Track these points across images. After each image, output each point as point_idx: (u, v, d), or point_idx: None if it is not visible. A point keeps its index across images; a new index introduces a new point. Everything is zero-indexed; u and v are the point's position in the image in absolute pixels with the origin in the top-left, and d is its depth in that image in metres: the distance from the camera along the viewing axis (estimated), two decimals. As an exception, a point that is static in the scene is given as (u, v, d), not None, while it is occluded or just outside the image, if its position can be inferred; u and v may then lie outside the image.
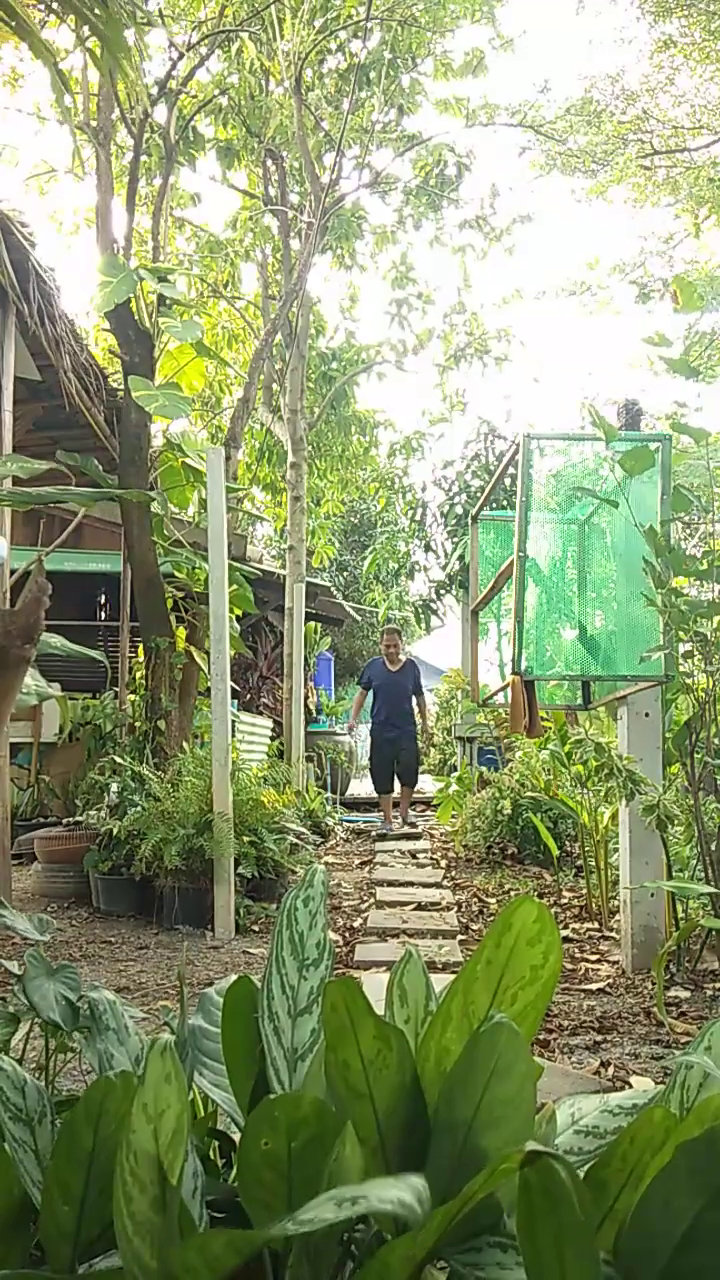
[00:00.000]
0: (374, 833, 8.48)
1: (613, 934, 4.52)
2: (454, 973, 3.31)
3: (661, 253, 15.67)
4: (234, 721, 6.65)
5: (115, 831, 5.00)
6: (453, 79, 11.09)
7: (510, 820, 6.55)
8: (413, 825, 8.64)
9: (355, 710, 9.18)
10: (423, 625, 12.83)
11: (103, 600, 9.79)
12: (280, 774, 7.13)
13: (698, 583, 3.81)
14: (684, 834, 4.32)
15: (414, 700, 8.56)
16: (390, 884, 5.96)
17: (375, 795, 9.26)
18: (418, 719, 8.69)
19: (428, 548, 12.65)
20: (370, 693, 8.66)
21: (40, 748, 7.72)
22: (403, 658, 8.71)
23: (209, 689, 5.00)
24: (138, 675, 6.83)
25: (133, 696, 7.08)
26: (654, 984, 3.39)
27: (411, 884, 5.93)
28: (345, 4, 9.55)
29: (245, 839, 4.98)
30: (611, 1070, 2.77)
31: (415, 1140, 1.08)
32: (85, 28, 2.70)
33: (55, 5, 2.90)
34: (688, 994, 3.50)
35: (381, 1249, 0.93)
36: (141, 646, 6.24)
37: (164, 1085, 0.94)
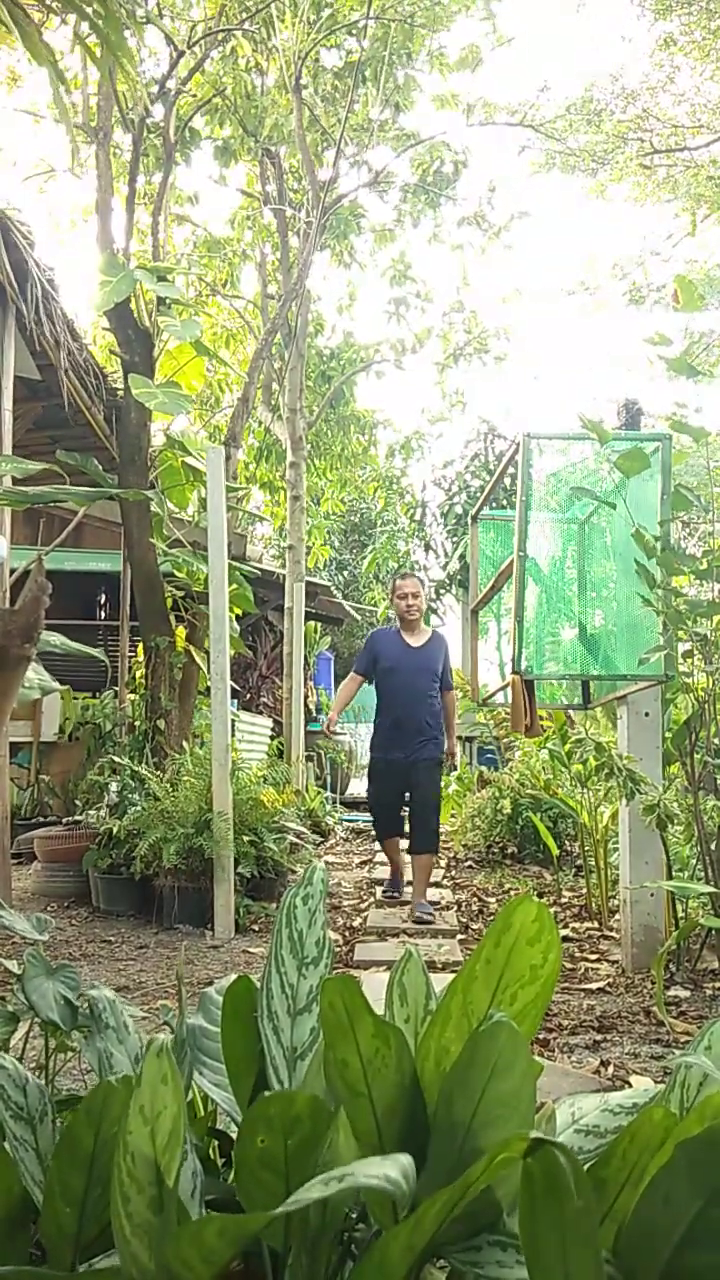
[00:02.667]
0: (380, 894, 5.59)
1: (612, 933, 4.52)
2: (454, 972, 3.30)
3: (658, 253, 15.70)
4: (234, 721, 6.64)
5: (115, 831, 4.99)
6: (449, 74, 11.08)
7: (510, 820, 6.54)
8: (428, 918, 4.82)
9: (338, 704, 5.71)
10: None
11: (103, 599, 9.79)
12: (280, 773, 7.13)
13: (697, 582, 3.81)
14: (684, 833, 4.32)
15: (441, 697, 5.36)
16: (390, 883, 5.95)
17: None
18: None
19: (427, 547, 12.65)
20: (373, 682, 5.44)
21: (40, 747, 7.72)
22: (426, 627, 5.61)
23: (209, 688, 5.00)
24: (137, 674, 6.83)
25: (132, 696, 7.08)
26: (654, 983, 3.39)
27: (412, 883, 5.92)
28: (343, 3, 9.54)
29: (245, 838, 4.98)
30: (611, 1069, 2.76)
31: (415, 1139, 1.08)
32: (84, 25, 2.70)
33: (54, 4, 2.90)
34: (687, 993, 3.50)
35: (380, 1240, 0.93)
36: (141, 646, 6.24)
37: (161, 1086, 0.94)
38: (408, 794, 5.29)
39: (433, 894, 5.52)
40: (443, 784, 5.64)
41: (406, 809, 5.37)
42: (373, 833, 6.03)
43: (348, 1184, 0.73)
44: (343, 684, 5.69)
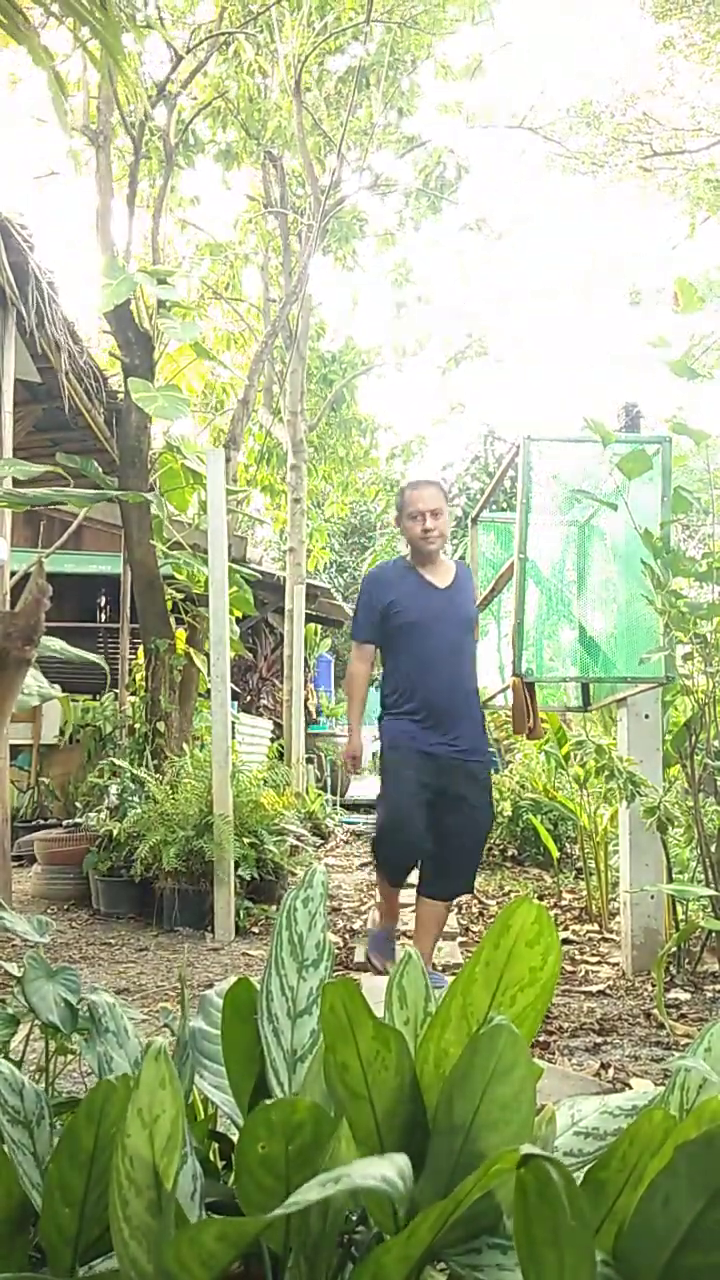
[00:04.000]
0: (368, 952, 3.91)
1: (613, 936, 4.52)
2: (453, 974, 3.30)
3: (659, 254, 15.73)
4: (234, 723, 6.64)
5: (115, 833, 5.00)
6: (452, 81, 11.12)
7: (510, 822, 6.54)
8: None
9: (356, 707, 3.84)
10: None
11: (103, 602, 9.79)
12: (280, 776, 7.13)
13: (696, 585, 3.82)
14: (684, 836, 4.32)
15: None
16: (390, 886, 5.94)
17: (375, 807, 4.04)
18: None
19: (428, 549, 12.64)
20: (384, 647, 3.70)
21: (40, 749, 7.72)
22: (448, 561, 3.81)
23: (209, 691, 5.00)
24: (138, 677, 6.83)
25: (133, 698, 7.08)
26: (654, 986, 3.38)
27: (411, 886, 5.91)
28: (345, 6, 9.56)
29: (245, 840, 4.98)
30: (611, 1072, 2.76)
31: (414, 1143, 1.08)
32: (85, 29, 2.70)
33: (55, 7, 2.91)
34: (688, 996, 3.50)
35: (376, 1248, 0.93)
36: (141, 648, 6.24)
37: (159, 1089, 0.94)
38: (441, 813, 3.52)
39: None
40: (493, 801, 3.77)
41: (434, 843, 3.56)
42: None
43: (344, 1185, 0.73)
44: (350, 672, 3.73)
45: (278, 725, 9.72)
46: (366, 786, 12.52)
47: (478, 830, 3.61)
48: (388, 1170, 0.72)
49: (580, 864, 5.66)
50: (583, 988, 3.71)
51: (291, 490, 9.97)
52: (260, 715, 10.16)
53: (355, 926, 4.87)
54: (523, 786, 6.48)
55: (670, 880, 3.88)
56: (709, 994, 3.52)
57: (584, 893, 5.19)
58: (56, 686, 5.43)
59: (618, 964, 4.01)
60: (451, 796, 3.53)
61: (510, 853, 6.72)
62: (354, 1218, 1.16)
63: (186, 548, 6.30)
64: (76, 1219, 1.08)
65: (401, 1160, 0.74)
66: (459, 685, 3.60)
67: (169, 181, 7.52)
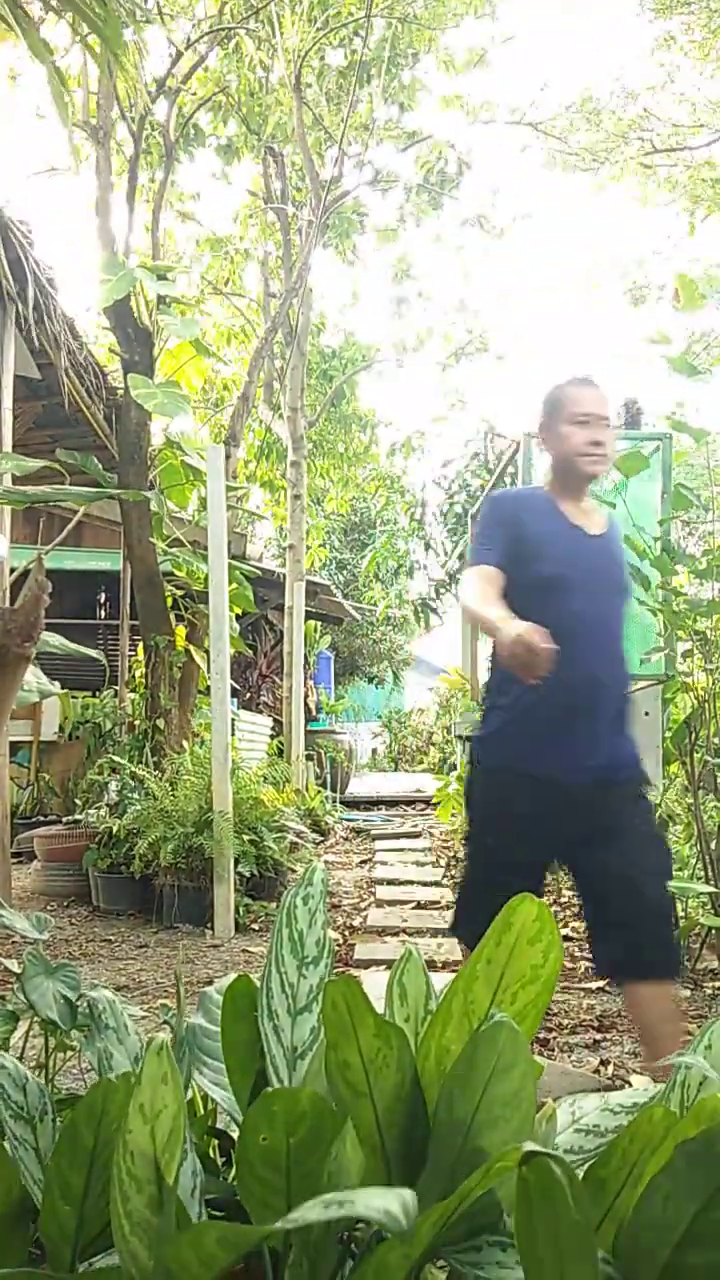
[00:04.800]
0: None
1: (612, 932, 4.52)
2: (454, 971, 3.30)
3: (660, 251, 15.71)
4: (234, 720, 6.64)
5: (115, 830, 5.00)
6: (454, 74, 11.09)
7: (510, 819, 6.52)
8: None
9: (490, 604, 2.21)
10: (422, 624, 12.85)
11: (102, 598, 9.79)
12: (280, 772, 7.13)
13: (697, 581, 3.82)
14: (683, 833, 4.32)
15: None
16: (390, 882, 5.95)
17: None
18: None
19: (427, 546, 12.65)
20: (513, 590, 2.29)
21: (40, 746, 7.72)
22: (594, 504, 2.57)
23: (209, 687, 4.99)
24: (137, 673, 6.83)
25: (132, 695, 7.08)
26: (653, 982, 3.38)
27: (411, 882, 5.92)
28: (345, 1, 9.54)
29: (245, 837, 4.98)
30: (611, 1069, 2.77)
31: (415, 1139, 1.08)
32: (84, 24, 2.69)
33: (54, 1, 2.90)
34: (687, 993, 3.50)
35: (378, 1248, 0.93)
36: (141, 645, 6.24)
37: (160, 1085, 0.94)
38: (589, 853, 2.41)
39: (432, 894, 5.50)
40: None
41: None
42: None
43: (347, 1210, 0.73)
44: (466, 599, 2.38)
45: (277, 722, 9.71)
46: (365, 784, 12.48)
47: (652, 864, 2.34)
48: (392, 1204, 0.73)
49: (580, 861, 5.65)
50: (582, 984, 3.71)
51: (291, 486, 9.96)
52: (260, 712, 10.16)
53: (355, 923, 4.88)
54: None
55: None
56: (709, 991, 3.52)
57: (583, 889, 5.19)
58: (56, 683, 5.43)
59: (617, 961, 4.01)
60: (601, 831, 2.37)
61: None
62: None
63: (186, 544, 6.30)
64: (76, 1216, 1.08)
65: (407, 1194, 0.74)
66: (612, 673, 2.43)
67: (169, 176, 7.50)
